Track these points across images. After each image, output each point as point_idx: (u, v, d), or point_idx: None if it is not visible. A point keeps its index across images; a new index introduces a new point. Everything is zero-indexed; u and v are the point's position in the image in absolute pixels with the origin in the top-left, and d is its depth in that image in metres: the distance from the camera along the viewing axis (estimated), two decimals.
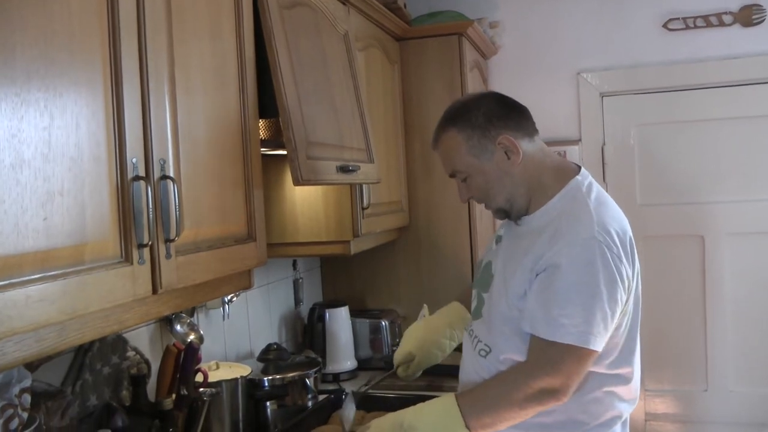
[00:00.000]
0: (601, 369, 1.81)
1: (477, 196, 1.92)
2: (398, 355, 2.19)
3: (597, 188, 1.87)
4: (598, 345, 1.74)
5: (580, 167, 1.91)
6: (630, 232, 1.84)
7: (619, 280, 1.74)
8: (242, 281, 1.78)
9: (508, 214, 1.89)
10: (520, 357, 1.80)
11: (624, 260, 1.76)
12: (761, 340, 3.62)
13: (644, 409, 3.73)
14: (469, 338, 1.96)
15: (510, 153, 1.81)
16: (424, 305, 2.25)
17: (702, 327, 3.68)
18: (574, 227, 1.75)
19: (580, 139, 3.75)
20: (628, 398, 1.88)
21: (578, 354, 1.73)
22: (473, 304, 1.99)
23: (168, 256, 1.40)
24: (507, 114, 1.85)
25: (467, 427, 1.78)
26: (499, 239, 1.98)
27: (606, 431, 1.86)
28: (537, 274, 1.76)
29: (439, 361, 2.18)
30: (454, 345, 2.17)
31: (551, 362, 1.74)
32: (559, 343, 1.72)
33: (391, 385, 2.84)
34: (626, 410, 1.89)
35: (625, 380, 1.85)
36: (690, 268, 3.68)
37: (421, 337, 2.16)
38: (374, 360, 3.11)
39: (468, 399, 1.82)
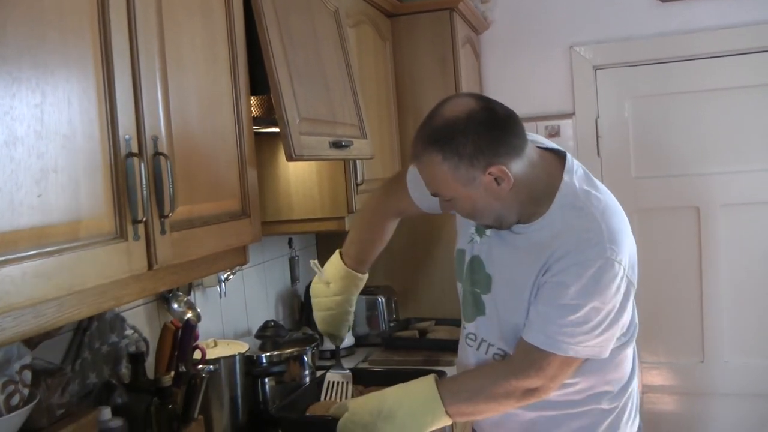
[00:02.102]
0: (616, 343, 1.82)
1: (462, 215, 1.85)
2: (321, 331, 2.24)
3: (587, 180, 1.78)
4: (589, 355, 1.75)
5: (564, 157, 1.79)
6: (626, 220, 1.79)
7: (626, 302, 1.73)
8: (238, 257, 1.79)
9: (498, 227, 1.80)
10: None
11: (634, 272, 1.75)
12: (756, 311, 3.64)
13: (641, 381, 3.75)
14: (473, 340, 1.93)
15: (500, 180, 1.66)
16: (314, 262, 2.23)
17: (698, 299, 3.70)
18: (583, 246, 1.67)
19: (573, 113, 3.75)
20: (634, 350, 1.91)
21: (567, 362, 1.74)
22: (467, 303, 1.93)
23: (163, 232, 1.40)
24: (497, 138, 1.65)
25: (447, 413, 1.80)
26: (481, 231, 1.88)
27: (627, 390, 1.89)
28: (541, 286, 1.73)
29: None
30: (351, 308, 2.20)
31: (536, 365, 1.73)
32: (549, 351, 1.72)
33: (388, 359, 2.87)
34: (635, 359, 1.92)
35: (631, 338, 1.87)
36: (685, 240, 3.69)
37: (325, 316, 2.18)
38: (371, 336, 3.13)
39: (449, 387, 1.84)
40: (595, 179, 1.82)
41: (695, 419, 3.78)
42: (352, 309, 2.20)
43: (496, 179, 1.66)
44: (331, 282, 2.15)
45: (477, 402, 1.81)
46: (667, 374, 3.79)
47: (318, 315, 2.19)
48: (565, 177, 1.75)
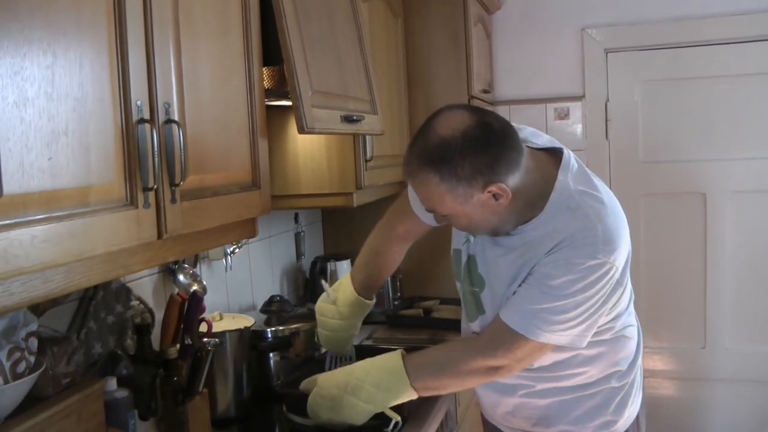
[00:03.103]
0: (617, 325, 1.84)
1: (459, 228, 1.85)
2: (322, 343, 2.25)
3: (583, 179, 1.76)
4: (561, 344, 1.74)
5: (561, 155, 1.77)
6: (624, 217, 1.78)
7: (609, 299, 1.72)
8: (247, 230, 1.77)
9: (494, 236, 1.80)
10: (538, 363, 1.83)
11: (626, 272, 1.77)
12: (759, 298, 3.64)
13: (642, 366, 3.74)
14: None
15: (498, 197, 1.64)
16: (324, 283, 2.28)
17: (702, 285, 3.70)
18: (577, 244, 1.66)
19: (583, 96, 3.72)
20: (636, 324, 1.95)
21: (537, 347, 1.74)
22: (468, 302, 1.94)
23: (173, 200, 1.38)
24: (495, 156, 1.61)
25: (412, 387, 1.81)
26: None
27: (635, 366, 1.93)
28: (530, 274, 1.73)
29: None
30: (357, 330, 2.23)
31: (506, 346, 1.74)
32: (521, 334, 1.71)
33: (392, 338, 2.86)
34: (639, 335, 1.97)
35: (629, 315, 1.90)
36: (691, 226, 3.68)
37: (331, 336, 2.19)
38: (375, 314, 3.10)
39: (415, 361, 1.85)
40: (592, 177, 1.80)
41: (696, 405, 3.79)
42: (357, 332, 2.23)
43: (494, 195, 1.64)
44: (339, 306, 2.16)
45: (442, 377, 1.84)
46: (669, 359, 3.79)
47: (323, 334, 2.21)
48: (560, 176, 1.73)
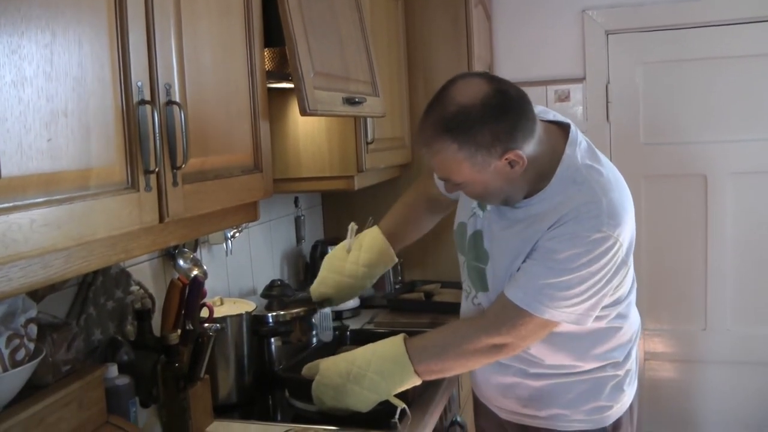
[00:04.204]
0: (616, 311, 1.83)
1: (471, 197, 1.83)
2: (314, 292, 2.15)
3: (590, 154, 1.77)
4: (566, 321, 1.73)
5: (568, 129, 1.79)
6: (630, 195, 1.78)
7: (614, 278, 1.72)
8: (248, 213, 1.74)
9: (504, 205, 1.80)
10: (542, 349, 1.83)
11: (630, 251, 1.75)
12: (760, 280, 3.64)
13: (643, 348, 3.74)
14: (475, 309, 1.93)
15: (514, 164, 1.64)
16: (352, 224, 2.17)
17: (702, 266, 3.69)
18: (582, 218, 1.66)
19: (584, 78, 3.69)
20: (634, 314, 1.94)
21: (542, 324, 1.73)
22: (472, 276, 1.93)
23: (175, 183, 1.36)
24: (513, 123, 1.62)
25: (416, 372, 1.80)
26: (483, 206, 1.88)
27: (631, 354, 1.93)
28: (534, 249, 1.72)
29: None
30: (371, 284, 2.16)
31: (511, 323, 1.73)
32: (526, 310, 1.70)
33: (393, 322, 2.84)
34: (638, 323, 1.97)
35: (630, 304, 1.90)
36: (692, 208, 3.67)
37: (339, 281, 2.12)
38: (376, 298, 3.10)
39: (418, 345, 1.83)
40: (599, 153, 1.81)
41: (696, 386, 3.79)
42: (370, 285, 2.16)
43: (510, 163, 1.64)
44: (364, 251, 2.10)
45: (445, 358, 1.81)
46: (669, 341, 3.79)
47: (328, 276, 2.13)
48: (568, 150, 1.74)
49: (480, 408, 2.11)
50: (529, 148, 1.65)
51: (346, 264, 2.10)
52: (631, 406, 1.96)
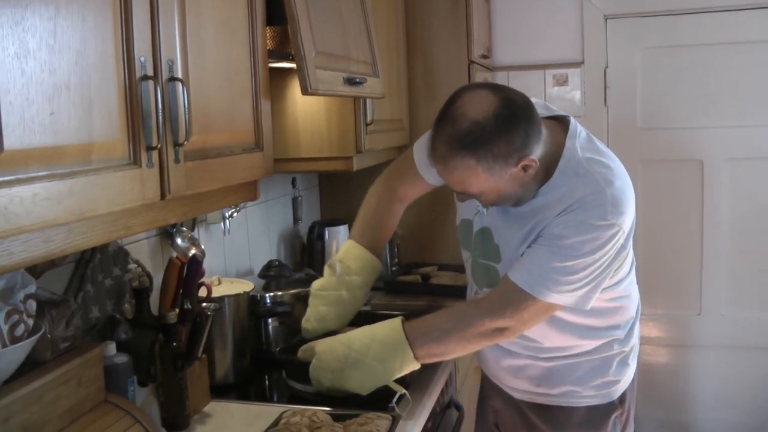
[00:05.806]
0: (618, 290, 1.87)
1: (485, 204, 1.84)
2: (317, 330, 2.04)
3: (590, 145, 1.79)
4: (568, 304, 1.76)
5: (566, 121, 1.82)
6: (630, 183, 1.80)
7: (614, 263, 1.75)
8: (248, 192, 1.73)
9: (515, 206, 1.81)
10: (548, 332, 1.86)
11: (630, 239, 1.77)
12: (755, 265, 3.66)
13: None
14: None
15: (527, 168, 1.68)
16: (329, 262, 2.13)
17: (698, 251, 3.71)
18: (587, 207, 1.70)
19: (582, 62, 3.69)
20: (634, 291, 1.97)
21: (544, 308, 1.76)
22: (478, 272, 1.95)
23: (177, 160, 1.35)
24: (525, 132, 1.65)
25: (415, 357, 1.80)
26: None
27: (634, 329, 1.97)
28: (540, 236, 1.75)
29: None
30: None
31: (513, 306, 1.74)
32: (529, 294, 1.72)
33: (390, 304, 2.84)
34: (638, 299, 2.00)
35: (631, 283, 1.94)
36: (688, 193, 3.69)
37: (341, 312, 2.07)
38: None
39: (417, 328, 1.83)
40: (599, 143, 1.83)
41: (690, 371, 3.81)
42: (363, 301, 2.11)
43: (523, 168, 1.68)
44: (355, 275, 2.05)
45: (447, 342, 1.81)
46: (664, 326, 3.80)
47: (328, 312, 2.05)
48: (568, 143, 1.77)
49: (491, 389, 2.12)
50: (539, 151, 1.69)
51: (343, 293, 2.06)
52: (633, 380, 2.02)
